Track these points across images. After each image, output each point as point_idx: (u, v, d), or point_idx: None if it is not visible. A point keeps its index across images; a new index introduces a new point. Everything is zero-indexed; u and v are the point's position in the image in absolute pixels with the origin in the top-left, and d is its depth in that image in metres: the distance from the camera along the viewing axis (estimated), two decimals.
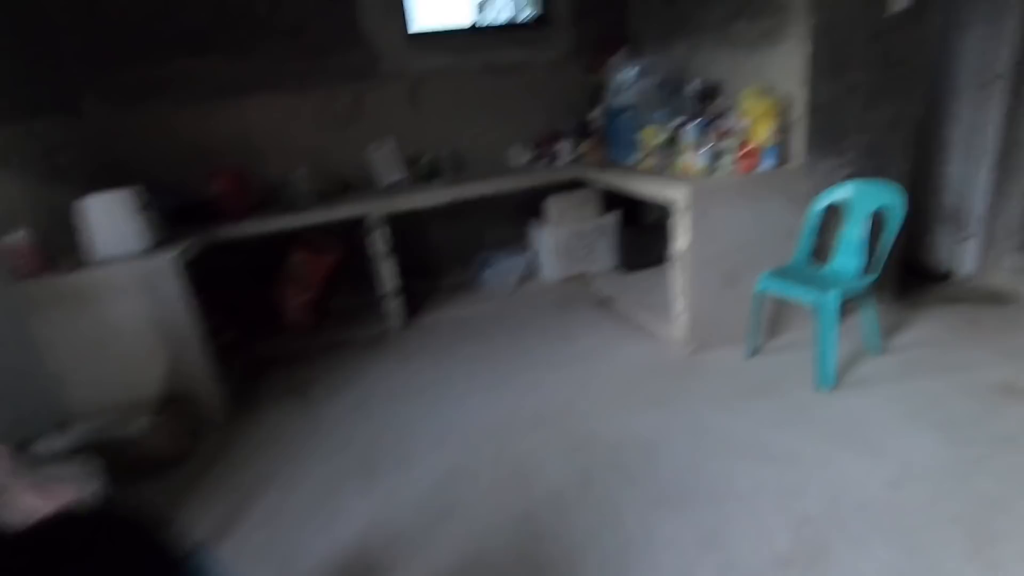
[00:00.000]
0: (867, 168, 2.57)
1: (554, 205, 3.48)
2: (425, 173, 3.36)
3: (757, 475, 1.81)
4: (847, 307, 2.36)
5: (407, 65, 3.35)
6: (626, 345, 2.78)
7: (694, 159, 2.55)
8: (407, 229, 3.44)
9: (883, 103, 2.53)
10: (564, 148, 3.44)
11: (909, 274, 2.99)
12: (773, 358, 2.50)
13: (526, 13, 3.61)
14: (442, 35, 3.42)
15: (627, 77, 3.17)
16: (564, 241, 3.51)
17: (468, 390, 2.51)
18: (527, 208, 3.59)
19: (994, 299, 2.80)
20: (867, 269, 2.28)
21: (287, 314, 3.26)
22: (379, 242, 3.02)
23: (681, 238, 2.45)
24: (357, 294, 3.45)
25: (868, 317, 2.38)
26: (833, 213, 2.47)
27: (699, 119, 2.62)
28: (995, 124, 2.78)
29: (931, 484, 1.70)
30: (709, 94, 2.82)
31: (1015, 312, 2.66)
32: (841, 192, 2.39)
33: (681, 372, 2.48)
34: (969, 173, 2.92)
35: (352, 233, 3.16)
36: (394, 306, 3.17)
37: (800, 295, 2.23)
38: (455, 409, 2.38)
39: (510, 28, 3.59)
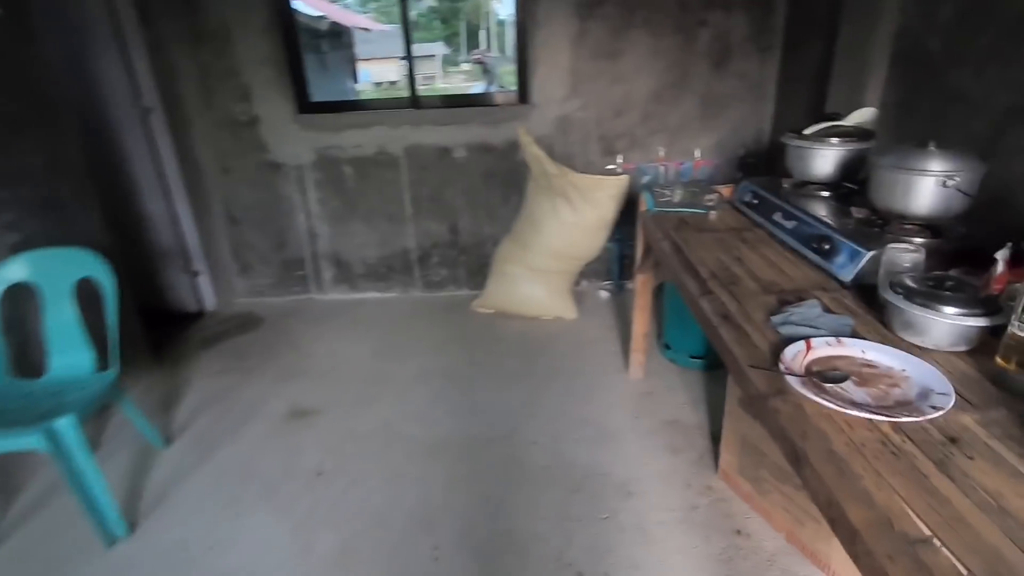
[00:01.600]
0: (47, 228, 1.90)
1: None
2: None
3: None
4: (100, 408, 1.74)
5: None
6: None
7: None
8: None
9: (23, 143, 1.89)
10: None
11: (159, 325, 2.62)
12: (23, 537, 1.60)
13: None
14: None
15: None
16: None
17: None
18: None
19: (245, 326, 2.82)
20: (103, 359, 1.70)
21: None
22: None
23: None
24: None
25: (131, 411, 1.84)
26: (21, 301, 1.71)
27: None
28: (171, 158, 2.66)
29: None
30: None
31: (266, 333, 2.76)
32: (17, 270, 1.66)
33: None
34: (170, 209, 2.73)
35: None
36: None
37: (13, 444, 1.42)
38: None
39: None
